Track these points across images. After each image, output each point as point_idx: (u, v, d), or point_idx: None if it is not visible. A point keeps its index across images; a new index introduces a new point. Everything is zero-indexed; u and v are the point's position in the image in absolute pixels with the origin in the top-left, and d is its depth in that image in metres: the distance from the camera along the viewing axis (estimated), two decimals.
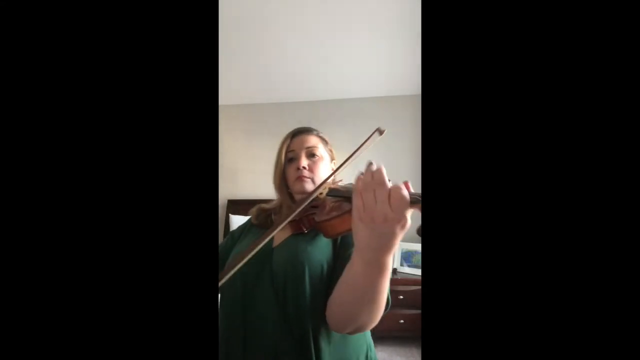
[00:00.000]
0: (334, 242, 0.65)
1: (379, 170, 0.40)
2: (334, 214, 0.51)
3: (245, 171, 2.99)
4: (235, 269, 0.43)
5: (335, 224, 0.50)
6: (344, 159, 0.58)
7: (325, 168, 0.74)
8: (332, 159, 0.79)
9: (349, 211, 0.48)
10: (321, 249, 0.63)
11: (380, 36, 2.08)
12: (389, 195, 0.38)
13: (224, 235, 2.77)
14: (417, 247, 2.48)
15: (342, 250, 0.63)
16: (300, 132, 0.76)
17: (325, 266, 0.61)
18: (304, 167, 0.70)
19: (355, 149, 0.58)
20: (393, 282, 2.09)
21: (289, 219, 0.52)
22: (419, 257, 2.44)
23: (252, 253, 0.44)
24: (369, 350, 0.67)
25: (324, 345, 0.58)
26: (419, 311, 2.09)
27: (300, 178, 0.70)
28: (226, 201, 2.91)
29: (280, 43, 2.17)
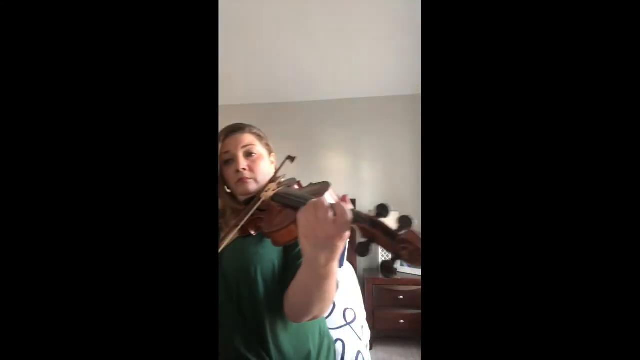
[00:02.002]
0: None
1: (320, 200, 0.45)
2: (280, 225, 0.53)
3: None
4: None
5: (283, 234, 0.53)
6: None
7: (266, 165, 0.73)
8: (270, 152, 0.77)
9: (294, 222, 0.50)
10: (271, 250, 0.64)
11: (380, 36, 2.08)
12: (334, 213, 0.42)
13: None
14: None
15: (291, 248, 0.65)
16: (233, 131, 0.71)
17: (276, 264, 0.64)
18: (244, 169, 0.69)
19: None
20: (393, 282, 2.08)
21: (239, 226, 0.57)
22: None
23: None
24: (324, 335, 0.73)
25: (280, 332, 0.64)
26: (419, 311, 2.08)
27: (241, 180, 0.68)
28: None
29: (281, 43, 2.16)
